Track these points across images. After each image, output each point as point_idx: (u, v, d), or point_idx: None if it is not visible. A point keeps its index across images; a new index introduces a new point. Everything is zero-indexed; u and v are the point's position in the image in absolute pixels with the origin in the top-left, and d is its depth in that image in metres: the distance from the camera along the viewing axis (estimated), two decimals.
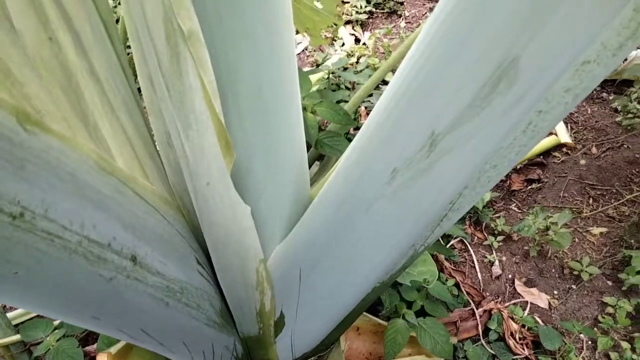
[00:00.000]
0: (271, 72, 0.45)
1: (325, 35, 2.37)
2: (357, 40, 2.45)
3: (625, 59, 1.91)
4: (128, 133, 0.40)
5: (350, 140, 1.08)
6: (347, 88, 1.94)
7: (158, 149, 0.48)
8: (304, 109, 0.86)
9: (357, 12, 2.52)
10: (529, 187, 1.69)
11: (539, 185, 1.68)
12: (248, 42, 0.40)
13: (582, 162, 1.73)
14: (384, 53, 2.22)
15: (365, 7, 2.54)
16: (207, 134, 0.41)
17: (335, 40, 2.39)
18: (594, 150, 1.76)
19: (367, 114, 1.87)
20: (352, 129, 1.66)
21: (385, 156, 0.38)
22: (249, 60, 0.42)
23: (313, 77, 1.91)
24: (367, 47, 2.26)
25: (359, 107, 1.87)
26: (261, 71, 0.44)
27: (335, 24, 1.46)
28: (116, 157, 0.39)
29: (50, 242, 0.31)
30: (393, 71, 1.73)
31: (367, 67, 2.11)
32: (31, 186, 0.30)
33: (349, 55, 2.21)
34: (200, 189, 0.47)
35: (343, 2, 2.61)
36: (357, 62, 2.21)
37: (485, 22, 0.26)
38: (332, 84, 1.97)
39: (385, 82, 2.09)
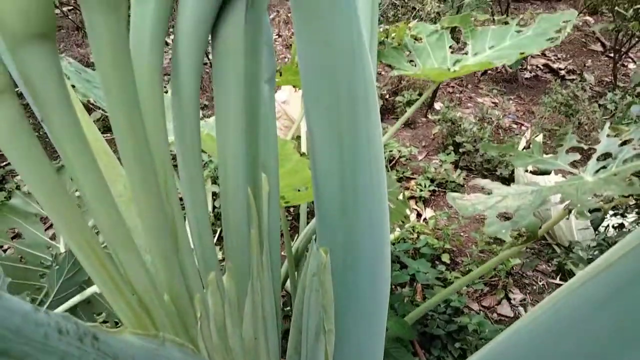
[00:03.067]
0: (367, 319, 0.66)
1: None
2: (419, 215, 2.70)
3: None
4: None
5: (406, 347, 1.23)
6: (404, 266, 2.14)
7: None
8: None
9: (420, 190, 2.81)
10: None
11: None
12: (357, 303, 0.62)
13: None
14: (442, 234, 2.43)
15: (429, 186, 2.83)
16: None
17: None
18: None
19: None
20: None
21: None
22: (352, 313, 0.63)
23: None
24: (427, 225, 2.49)
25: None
26: (359, 324, 0.65)
27: (403, 222, 1.71)
28: None
29: None
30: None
31: (425, 245, 2.33)
32: None
33: (410, 232, 2.44)
34: None
35: (409, 178, 2.93)
36: (417, 238, 2.43)
37: None
38: (393, 255, 2.19)
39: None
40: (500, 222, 0.79)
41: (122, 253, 0.36)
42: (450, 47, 1.30)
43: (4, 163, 2.79)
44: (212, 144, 0.83)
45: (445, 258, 2.31)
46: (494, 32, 1.29)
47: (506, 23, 1.29)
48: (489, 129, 3.08)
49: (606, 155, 0.92)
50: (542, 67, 3.91)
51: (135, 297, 0.38)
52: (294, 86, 2.02)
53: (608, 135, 0.95)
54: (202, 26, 0.34)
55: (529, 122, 3.33)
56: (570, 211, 0.74)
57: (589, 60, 3.99)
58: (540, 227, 0.78)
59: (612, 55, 3.64)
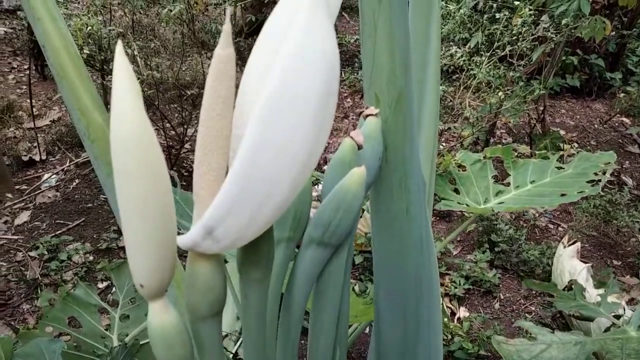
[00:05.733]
0: None
1: None
2: (453, 314, 2.68)
3: None
4: None
5: None
6: None
7: None
8: None
9: (455, 287, 2.80)
10: None
11: None
12: None
13: None
14: (477, 338, 2.40)
15: (464, 284, 2.83)
16: None
17: None
18: None
19: None
20: None
21: None
22: None
23: None
24: (461, 327, 2.47)
25: None
26: None
27: None
28: None
29: None
30: None
31: (460, 348, 2.30)
32: None
33: (444, 333, 2.42)
34: None
35: (444, 274, 2.93)
36: (451, 339, 2.41)
37: None
38: None
39: None
40: None
41: None
42: (493, 177, 1.39)
43: (59, 231, 2.96)
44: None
45: None
46: (535, 165, 1.37)
47: (547, 158, 1.38)
48: (526, 230, 3.10)
49: None
50: None
51: None
52: None
53: None
54: (311, 277, 0.44)
55: (566, 223, 3.33)
56: None
57: (627, 162, 4.01)
58: None
59: None
